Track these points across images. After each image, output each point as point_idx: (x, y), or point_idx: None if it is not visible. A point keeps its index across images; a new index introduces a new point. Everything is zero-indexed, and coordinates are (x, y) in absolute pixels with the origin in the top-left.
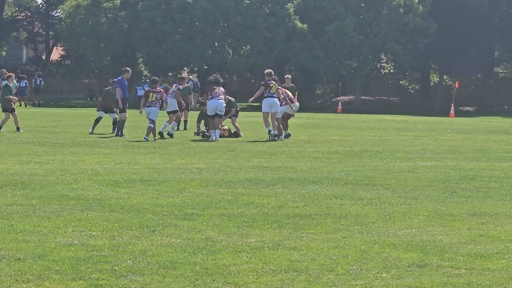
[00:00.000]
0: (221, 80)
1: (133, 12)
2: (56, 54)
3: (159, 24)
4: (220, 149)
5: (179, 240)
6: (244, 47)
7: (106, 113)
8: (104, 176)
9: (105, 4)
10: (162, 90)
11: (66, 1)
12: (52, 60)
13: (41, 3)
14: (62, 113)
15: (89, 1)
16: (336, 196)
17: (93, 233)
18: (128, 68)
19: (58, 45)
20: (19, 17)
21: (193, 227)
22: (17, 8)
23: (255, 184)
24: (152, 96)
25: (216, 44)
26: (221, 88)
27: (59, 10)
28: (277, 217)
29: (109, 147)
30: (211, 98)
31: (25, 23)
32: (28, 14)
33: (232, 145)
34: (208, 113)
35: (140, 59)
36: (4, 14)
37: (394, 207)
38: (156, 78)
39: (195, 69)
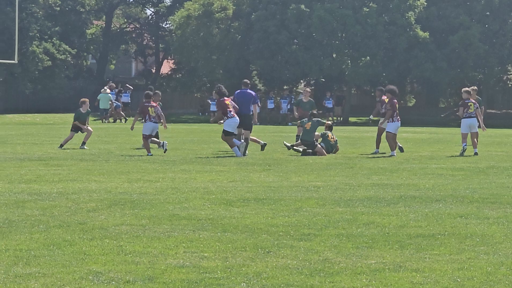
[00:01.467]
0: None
1: (247, 23)
2: (166, 67)
3: (274, 35)
4: (338, 166)
5: (295, 262)
6: (363, 58)
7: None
8: (216, 195)
9: (217, 14)
10: (156, 104)
11: (177, 12)
12: (162, 74)
13: (150, 14)
14: (172, 128)
15: (200, 12)
16: (461, 215)
17: (205, 254)
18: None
19: (169, 58)
20: (128, 29)
21: (310, 248)
22: (125, 20)
23: (375, 202)
24: (151, 110)
25: (334, 55)
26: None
27: (169, 22)
28: (399, 237)
29: (222, 164)
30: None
31: (134, 35)
32: (137, 25)
33: (351, 161)
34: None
35: (254, 72)
36: (112, 26)
37: None
38: (150, 92)
39: (312, 81)
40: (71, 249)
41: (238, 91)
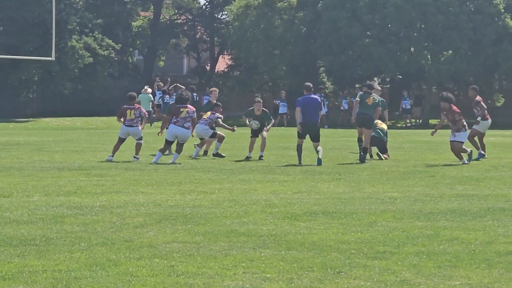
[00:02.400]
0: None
1: (313, 13)
2: (222, 63)
3: (344, 27)
4: (417, 175)
5: (369, 283)
6: (445, 52)
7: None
8: (280, 208)
9: (279, 4)
10: (139, 106)
11: (234, 1)
12: (218, 71)
13: (204, 4)
14: (229, 133)
15: (261, 1)
16: None
17: (268, 275)
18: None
19: (225, 53)
20: (179, 21)
21: (386, 267)
22: (176, 11)
23: (460, 216)
24: (131, 113)
25: (412, 49)
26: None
27: (225, 12)
28: (486, 255)
29: (285, 173)
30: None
31: (185, 28)
32: (189, 17)
33: (432, 169)
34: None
35: (322, 69)
36: (161, 18)
37: None
38: (133, 93)
39: (387, 79)
40: (116, 269)
41: (303, 97)
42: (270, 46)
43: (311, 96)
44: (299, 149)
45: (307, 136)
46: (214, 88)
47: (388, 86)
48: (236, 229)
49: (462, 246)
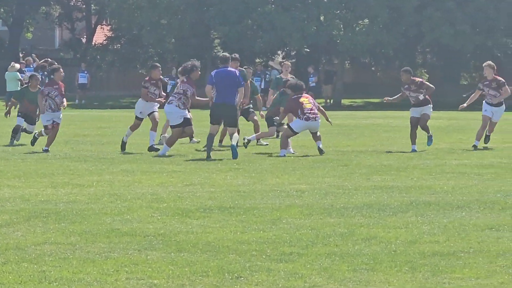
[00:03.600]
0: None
1: None
2: (100, 35)
3: None
4: (328, 164)
5: None
6: (360, 21)
7: None
8: (169, 203)
9: None
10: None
11: None
12: (95, 44)
13: None
14: (110, 116)
15: None
16: (491, 226)
17: (155, 281)
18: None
19: (103, 23)
20: None
21: (293, 271)
22: None
23: (378, 211)
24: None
25: (321, 17)
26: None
27: None
28: (409, 257)
29: (175, 163)
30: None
31: None
32: None
33: (345, 157)
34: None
35: (217, 41)
36: None
37: None
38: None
39: (293, 53)
40: None
41: (216, 71)
42: (156, 15)
43: (227, 69)
44: (210, 139)
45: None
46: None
47: (294, 60)
48: (118, 228)
49: (381, 246)
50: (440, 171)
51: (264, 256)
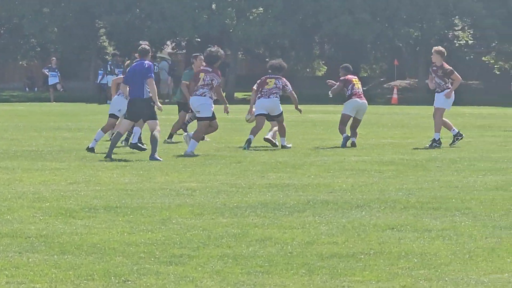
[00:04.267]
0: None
1: None
2: None
3: None
4: (220, 160)
5: None
6: (254, 10)
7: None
8: (51, 202)
9: None
10: None
11: None
12: None
13: None
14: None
15: None
16: (392, 226)
17: (37, 286)
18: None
19: None
20: None
21: (183, 274)
22: None
23: (273, 210)
24: None
25: (213, 5)
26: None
27: None
28: (306, 259)
29: (58, 159)
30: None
31: None
32: None
33: (239, 154)
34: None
35: (102, 30)
36: None
37: (477, 241)
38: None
39: (183, 43)
40: None
41: (131, 66)
42: (38, 3)
43: (139, 62)
44: (117, 137)
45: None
46: None
47: (184, 51)
48: None
49: (276, 247)
50: (338, 168)
51: (152, 259)
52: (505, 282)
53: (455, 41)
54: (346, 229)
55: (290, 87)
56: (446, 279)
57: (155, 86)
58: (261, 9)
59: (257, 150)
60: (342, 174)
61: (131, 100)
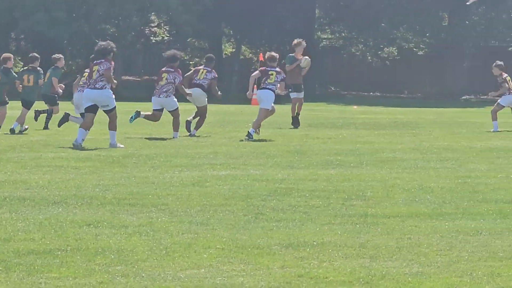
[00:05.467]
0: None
1: None
2: None
3: None
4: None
5: None
6: None
7: None
8: None
9: None
10: None
11: None
12: None
13: None
14: None
15: None
16: (89, 222)
17: None
18: None
19: None
20: None
21: None
22: None
23: None
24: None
25: None
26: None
27: None
28: (3, 256)
29: None
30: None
31: None
32: None
33: None
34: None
35: None
36: None
37: (173, 237)
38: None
39: None
40: None
41: None
42: None
43: None
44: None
45: None
46: None
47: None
48: None
49: None
50: (35, 164)
51: None
52: (201, 278)
53: (152, 38)
54: (43, 226)
55: None
56: (143, 275)
57: None
58: None
59: None
60: (38, 170)
61: None
